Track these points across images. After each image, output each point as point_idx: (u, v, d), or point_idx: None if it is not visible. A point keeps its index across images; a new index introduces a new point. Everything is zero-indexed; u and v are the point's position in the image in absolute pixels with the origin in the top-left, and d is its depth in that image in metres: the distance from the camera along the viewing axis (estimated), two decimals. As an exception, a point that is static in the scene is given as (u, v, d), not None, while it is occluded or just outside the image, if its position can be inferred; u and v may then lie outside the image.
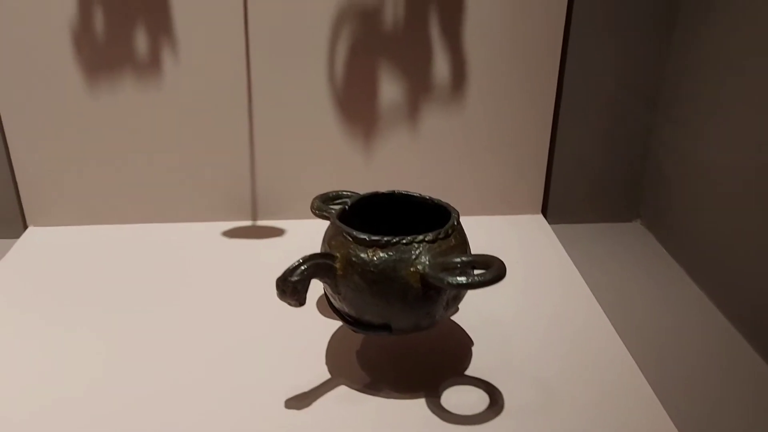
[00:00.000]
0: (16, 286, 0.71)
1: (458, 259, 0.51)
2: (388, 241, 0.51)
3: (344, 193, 0.64)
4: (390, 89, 0.80)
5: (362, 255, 0.51)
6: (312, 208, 0.62)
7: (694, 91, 0.77)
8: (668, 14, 0.79)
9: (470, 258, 0.51)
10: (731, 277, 0.70)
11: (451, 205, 0.58)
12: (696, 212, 0.78)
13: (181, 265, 0.75)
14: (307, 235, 0.69)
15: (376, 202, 0.61)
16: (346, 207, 0.59)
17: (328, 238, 0.55)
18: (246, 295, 0.69)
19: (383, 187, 0.61)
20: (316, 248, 0.57)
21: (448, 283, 0.48)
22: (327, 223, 0.58)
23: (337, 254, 0.52)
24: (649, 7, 0.79)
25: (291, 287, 0.49)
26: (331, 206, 0.61)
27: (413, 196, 0.61)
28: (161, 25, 0.74)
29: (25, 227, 0.84)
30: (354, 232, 0.52)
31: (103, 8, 0.73)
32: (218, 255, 0.78)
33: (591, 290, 0.71)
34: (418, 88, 0.80)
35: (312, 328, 0.63)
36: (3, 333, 0.63)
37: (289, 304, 0.50)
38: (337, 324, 0.63)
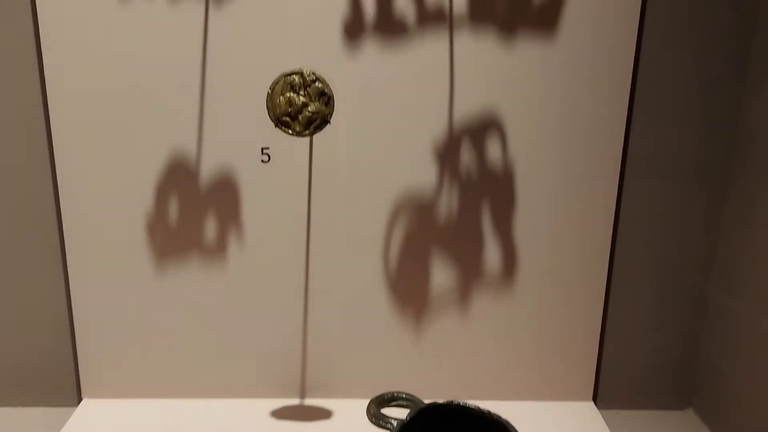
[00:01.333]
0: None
1: (520, 493, 0.51)
2: (450, 471, 0.51)
3: (400, 395, 0.65)
4: (441, 275, 0.82)
5: (424, 484, 0.51)
6: (368, 413, 0.62)
7: (751, 258, 0.77)
8: (720, 173, 0.81)
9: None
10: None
11: (510, 422, 0.58)
12: (754, 401, 0.76)
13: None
14: (353, 417, 0.69)
15: (434, 412, 0.61)
16: (405, 423, 0.59)
17: (388, 459, 0.55)
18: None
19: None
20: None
21: None
22: None
23: (398, 480, 0.52)
24: (700, 166, 0.81)
25: None
26: (387, 410, 0.62)
27: (471, 408, 0.61)
28: (230, 215, 0.79)
29: (80, 398, 0.85)
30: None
31: (178, 199, 0.78)
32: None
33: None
34: (469, 274, 0.83)
35: None
36: None
37: None
38: None
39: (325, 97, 0.65)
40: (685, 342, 0.87)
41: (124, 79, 0.74)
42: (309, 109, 0.65)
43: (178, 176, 0.78)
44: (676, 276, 0.85)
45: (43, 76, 0.75)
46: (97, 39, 0.73)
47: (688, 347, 0.87)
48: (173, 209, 0.79)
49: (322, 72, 0.71)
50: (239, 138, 0.76)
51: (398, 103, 0.76)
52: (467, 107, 0.77)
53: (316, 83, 0.65)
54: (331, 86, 0.68)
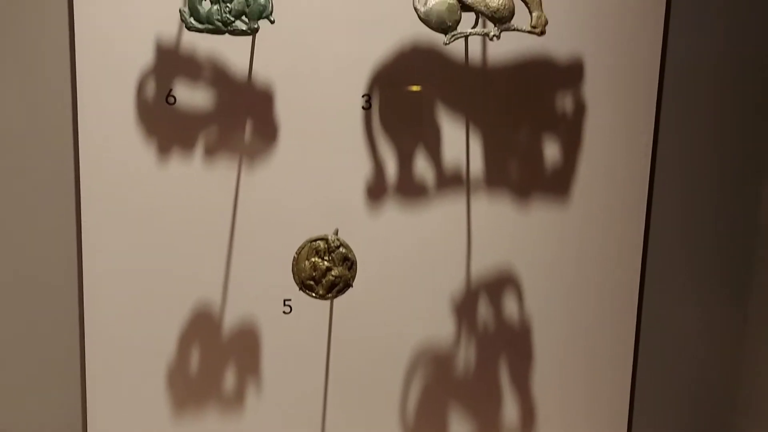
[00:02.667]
0: None
1: None
2: None
3: None
4: (458, 429, 0.82)
5: None
6: None
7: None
8: (740, 304, 0.82)
9: None
10: None
11: None
12: None
13: None
14: None
15: None
16: None
17: None
18: None
19: None
20: None
21: None
22: None
23: None
24: (725, 276, 0.82)
25: None
26: None
27: None
28: (249, 366, 0.80)
29: None
30: None
31: (200, 348, 0.80)
32: None
33: None
34: (487, 428, 0.82)
35: None
36: None
37: None
38: None
39: (348, 262, 0.68)
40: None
41: (156, 233, 0.78)
42: (332, 273, 0.67)
43: (201, 326, 0.80)
44: (701, 413, 0.84)
45: (80, 226, 0.79)
46: (135, 196, 0.77)
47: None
48: (194, 358, 0.80)
49: (345, 232, 0.74)
50: (263, 292, 0.78)
51: (417, 260, 0.79)
52: (484, 264, 0.80)
53: (340, 249, 0.68)
54: (353, 245, 0.72)
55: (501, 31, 0.65)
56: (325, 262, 0.67)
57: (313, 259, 0.67)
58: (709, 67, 0.79)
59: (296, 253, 0.68)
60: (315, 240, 0.68)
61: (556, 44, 0.75)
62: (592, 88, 0.77)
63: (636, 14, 0.76)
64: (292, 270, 0.68)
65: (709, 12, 0.78)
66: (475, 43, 0.75)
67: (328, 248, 0.67)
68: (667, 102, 0.79)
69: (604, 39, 0.76)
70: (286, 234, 0.76)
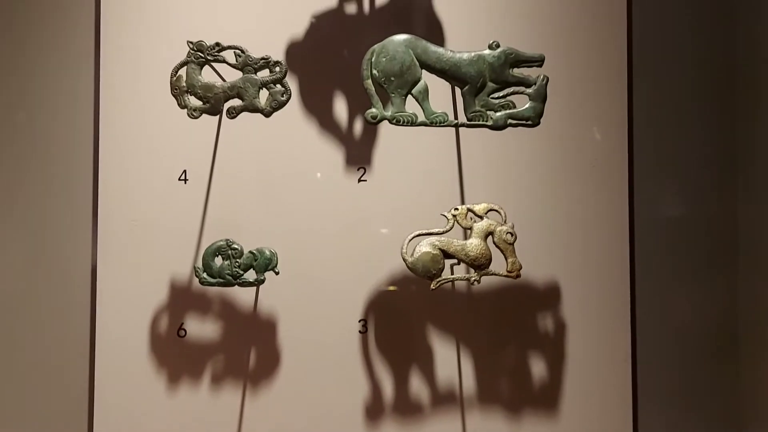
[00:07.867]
0: None
1: None
2: None
3: None
4: None
5: None
6: None
7: None
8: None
9: None
10: None
11: None
12: None
13: None
14: None
15: None
16: None
17: None
18: None
19: None
20: None
21: None
22: None
23: None
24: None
25: None
26: None
27: None
28: None
29: None
30: None
31: None
32: None
33: None
34: None
35: None
36: None
37: None
38: None
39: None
40: None
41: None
42: None
43: None
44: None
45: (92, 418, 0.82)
46: (145, 423, 0.81)
47: None
48: None
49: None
50: None
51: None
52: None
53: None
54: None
55: (481, 276, 0.73)
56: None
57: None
58: (680, 263, 0.86)
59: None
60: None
61: (534, 271, 0.82)
62: (569, 308, 0.83)
63: (601, 237, 0.84)
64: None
65: (673, 199, 0.87)
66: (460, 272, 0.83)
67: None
68: (642, 313, 0.85)
69: (576, 264, 0.84)
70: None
